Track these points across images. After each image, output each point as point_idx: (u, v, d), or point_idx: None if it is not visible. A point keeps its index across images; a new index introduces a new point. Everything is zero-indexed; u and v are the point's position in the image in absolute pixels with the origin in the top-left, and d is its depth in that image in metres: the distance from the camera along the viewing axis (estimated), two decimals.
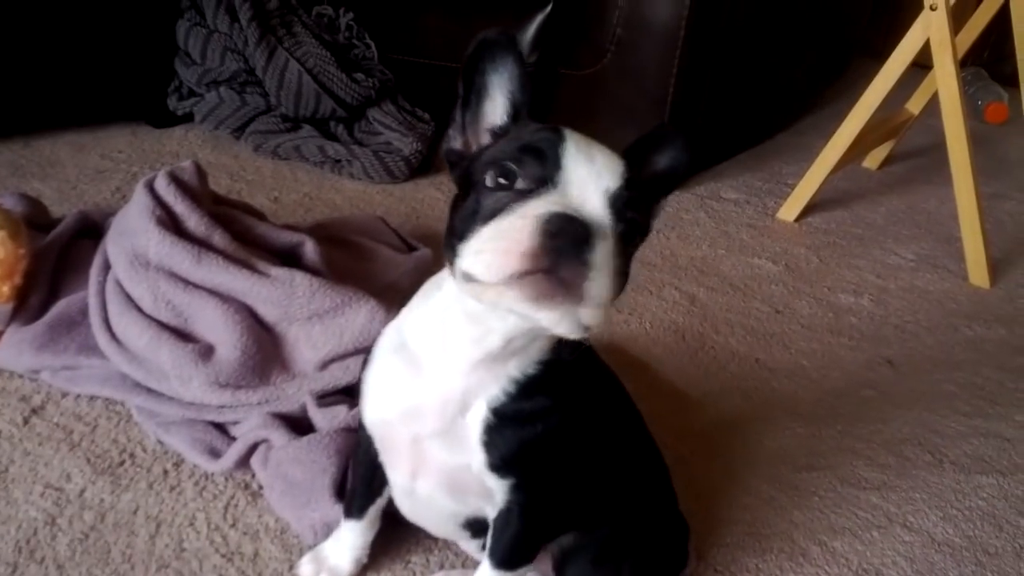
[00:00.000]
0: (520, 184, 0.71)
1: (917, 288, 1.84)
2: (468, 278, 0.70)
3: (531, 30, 2.10)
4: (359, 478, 1.00)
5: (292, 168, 2.02)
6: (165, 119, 2.13)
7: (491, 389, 0.81)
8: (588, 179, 0.71)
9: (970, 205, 1.86)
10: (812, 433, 1.36)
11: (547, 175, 0.71)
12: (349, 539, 1.02)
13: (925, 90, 2.23)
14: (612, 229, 0.70)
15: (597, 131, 2.18)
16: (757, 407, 1.42)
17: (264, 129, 2.07)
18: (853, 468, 1.30)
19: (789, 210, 2.08)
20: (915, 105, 2.27)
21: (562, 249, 0.66)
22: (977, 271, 1.88)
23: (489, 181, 0.72)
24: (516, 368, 0.81)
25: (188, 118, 2.15)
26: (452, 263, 0.73)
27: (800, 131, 2.60)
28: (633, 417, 1.02)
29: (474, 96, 0.79)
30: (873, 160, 2.44)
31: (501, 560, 0.89)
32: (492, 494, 0.86)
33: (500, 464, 0.83)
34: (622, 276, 0.72)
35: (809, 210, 2.09)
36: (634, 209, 0.72)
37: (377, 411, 0.89)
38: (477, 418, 0.82)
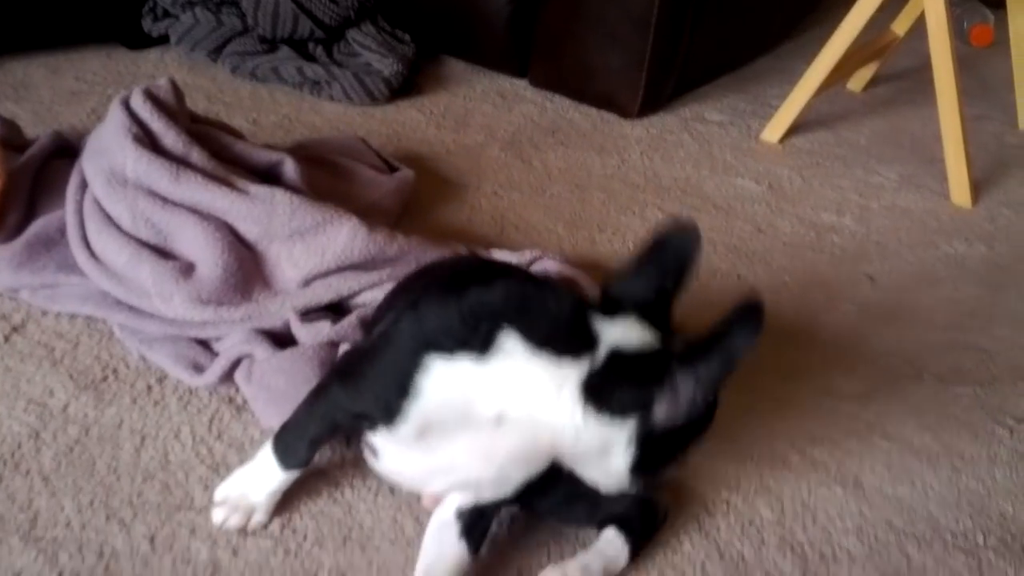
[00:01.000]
0: None
1: (899, 207, 1.85)
2: None
3: None
4: (315, 438, 0.96)
5: (270, 90, 1.99)
6: (140, 41, 2.08)
7: None
8: None
9: (954, 126, 1.86)
10: (794, 347, 1.38)
11: None
12: (275, 486, 0.98)
13: (911, 11, 2.20)
14: None
15: (582, 53, 2.14)
16: None
17: (241, 51, 2.03)
18: (833, 380, 1.32)
19: (773, 131, 2.07)
20: (900, 26, 2.25)
21: None
22: (959, 191, 1.88)
23: None
24: None
25: (164, 40, 2.10)
26: None
27: (785, 54, 2.57)
28: None
29: None
30: (857, 82, 2.42)
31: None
32: None
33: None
34: None
35: (793, 131, 2.08)
36: None
37: (416, 441, 0.87)
38: None
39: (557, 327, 0.84)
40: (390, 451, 0.90)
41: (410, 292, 0.98)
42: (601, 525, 1.00)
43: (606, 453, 0.85)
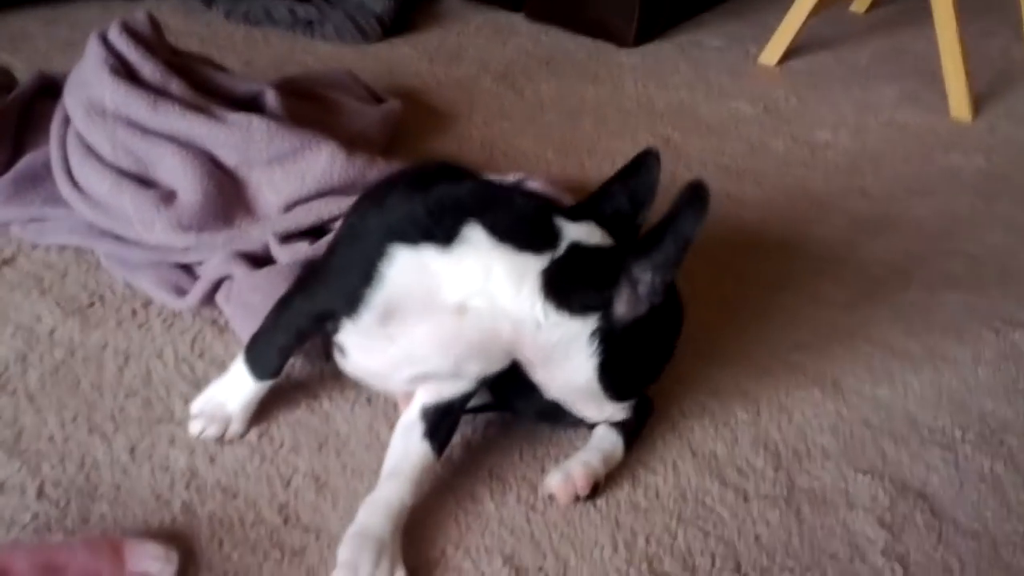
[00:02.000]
0: None
1: (897, 123, 1.83)
2: None
3: None
4: (283, 347, 0.98)
5: (264, 33, 2.00)
6: None
7: None
8: None
9: (951, 39, 1.83)
10: (780, 257, 1.37)
11: None
12: (250, 396, 1.00)
13: None
14: None
15: None
16: (725, 236, 1.42)
17: None
18: (820, 289, 1.31)
19: (770, 54, 2.04)
20: None
21: None
22: (959, 105, 1.86)
23: None
24: None
25: None
26: None
27: None
28: None
29: None
30: (860, 3, 2.38)
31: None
32: None
33: None
34: None
35: (791, 54, 2.05)
36: None
37: (379, 328, 0.88)
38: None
39: (521, 222, 0.85)
40: (355, 345, 0.92)
41: (375, 196, 0.99)
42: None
43: (569, 352, 0.87)
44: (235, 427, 0.99)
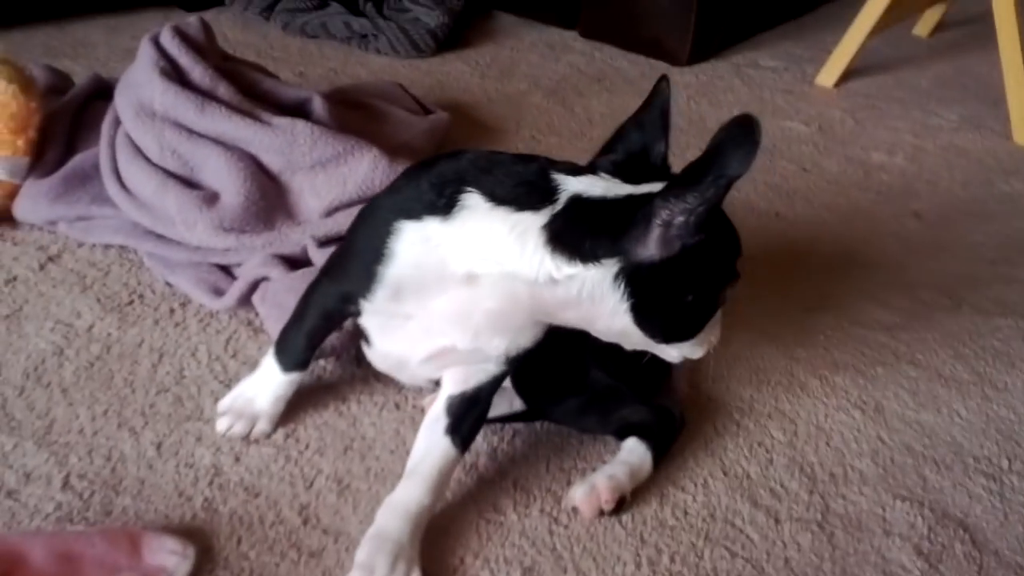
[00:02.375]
0: None
1: (956, 147, 1.78)
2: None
3: None
4: (310, 332, 0.98)
5: (319, 45, 2.02)
6: (196, 2, 2.14)
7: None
8: None
9: (1015, 60, 1.78)
10: (826, 279, 1.34)
11: None
12: (283, 389, 1.00)
13: None
14: None
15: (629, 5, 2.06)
16: (771, 254, 1.39)
17: (292, 7, 2.07)
18: (865, 310, 1.28)
19: (827, 75, 2.01)
20: None
21: None
22: (1022, 129, 1.80)
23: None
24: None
25: (219, 1, 2.15)
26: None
27: (849, 2, 2.49)
28: None
29: None
30: (924, 27, 2.34)
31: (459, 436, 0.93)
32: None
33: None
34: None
35: (849, 75, 2.02)
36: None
37: (395, 305, 0.88)
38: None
39: (517, 183, 0.82)
40: (376, 328, 0.92)
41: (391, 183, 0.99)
42: (621, 435, 1.00)
43: (596, 300, 0.82)
44: (262, 425, 0.99)
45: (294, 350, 0.99)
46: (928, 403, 1.12)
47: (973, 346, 1.23)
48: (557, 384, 0.99)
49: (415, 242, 0.82)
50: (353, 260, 0.90)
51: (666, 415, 1.02)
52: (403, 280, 0.84)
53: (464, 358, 0.89)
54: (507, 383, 0.95)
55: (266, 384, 1.00)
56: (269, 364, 1.00)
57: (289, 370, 0.99)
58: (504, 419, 1.03)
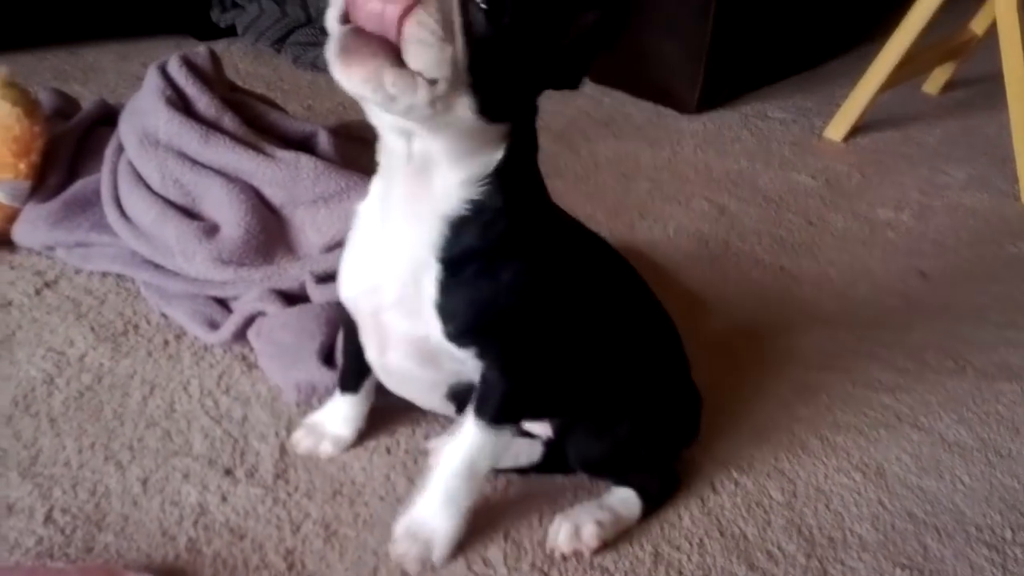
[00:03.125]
0: None
1: (963, 206, 1.77)
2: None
3: None
4: (348, 353, 1.00)
5: (328, 79, 2.00)
6: (209, 31, 2.14)
7: (431, 236, 0.79)
8: None
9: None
10: (830, 336, 1.32)
11: None
12: (344, 410, 1.02)
13: (989, 10, 2.11)
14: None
15: (639, 43, 2.13)
16: (776, 312, 1.38)
17: (303, 41, 2.08)
18: (868, 371, 1.26)
19: (836, 129, 2.00)
20: (979, 25, 2.17)
21: None
22: None
23: None
24: (445, 206, 0.79)
25: (231, 31, 2.16)
26: None
27: (859, 56, 2.47)
28: (630, 282, 1.00)
29: None
30: (934, 84, 2.34)
31: (484, 416, 0.87)
32: (463, 362, 0.85)
33: (458, 333, 0.82)
34: (493, 79, 0.68)
35: (858, 130, 2.01)
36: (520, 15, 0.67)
37: (347, 288, 0.90)
38: (430, 280, 0.81)
39: None
40: None
41: None
42: (619, 483, 0.98)
43: None
44: (326, 446, 1.01)
45: (345, 370, 1.01)
46: (931, 468, 1.10)
47: (977, 410, 1.21)
48: (594, 428, 0.96)
49: None
50: None
51: (671, 479, 1.00)
52: None
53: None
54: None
55: (332, 407, 1.02)
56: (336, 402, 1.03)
57: (344, 391, 1.01)
58: (513, 471, 1.01)
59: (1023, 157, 1.79)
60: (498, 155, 0.77)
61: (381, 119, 0.77)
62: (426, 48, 0.65)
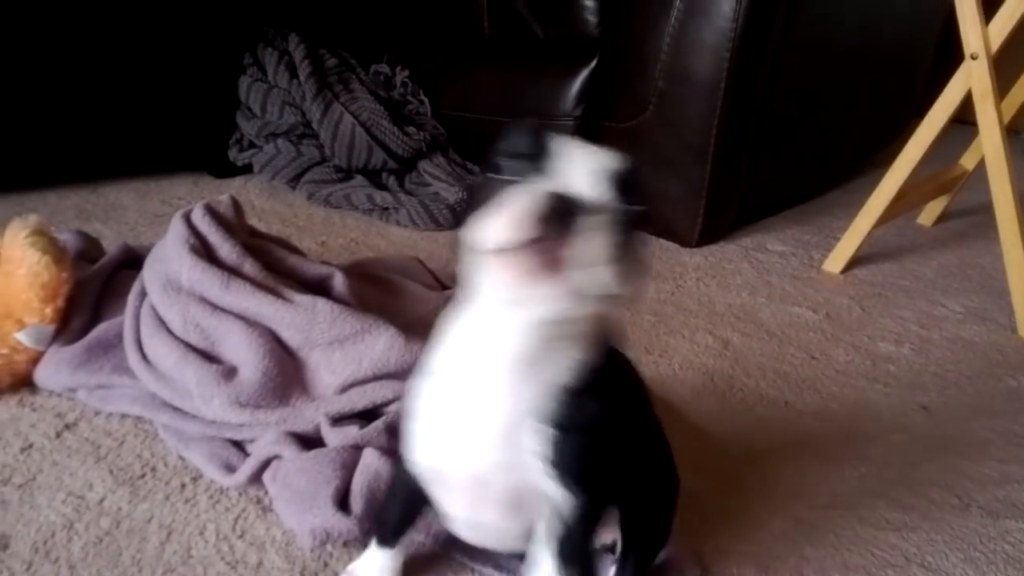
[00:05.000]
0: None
1: (962, 339, 1.80)
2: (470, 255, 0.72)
3: (577, 84, 2.15)
4: (396, 509, 1.00)
5: (342, 216, 2.09)
6: (226, 169, 2.23)
7: (539, 398, 0.81)
8: (577, 163, 0.73)
9: (1017, 255, 1.83)
10: (835, 473, 1.34)
11: (535, 166, 0.72)
12: (381, 562, 1.02)
13: (979, 146, 2.20)
14: (606, 208, 0.71)
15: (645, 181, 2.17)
16: (781, 447, 1.40)
17: (318, 179, 2.16)
18: (874, 508, 1.27)
19: (834, 262, 2.06)
20: (969, 161, 2.25)
21: (544, 221, 0.68)
22: None
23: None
24: (556, 374, 0.80)
25: (247, 169, 2.25)
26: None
27: (854, 189, 2.58)
28: (646, 401, 1.04)
29: None
30: (928, 216, 2.41)
31: (565, 556, 0.88)
32: (557, 506, 0.86)
33: (567, 482, 0.83)
34: (628, 262, 0.72)
35: (856, 262, 2.07)
36: (630, 192, 0.73)
37: (425, 455, 0.88)
38: (535, 437, 0.81)
39: None
40: None
41: None
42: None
43: None
44: None
45: (381, 525, 1.01)
46: None
47: (984, 549, 1.21)
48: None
49: None
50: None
51: None
52: None
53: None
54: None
55: (368, 558, 1.03)
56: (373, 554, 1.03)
57: (380, 545, 1.01)
58: None
59: (1017, 292, 1.83)
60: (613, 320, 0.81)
61: (511, 308, 0.77)
62: (595, 259, 0.70)
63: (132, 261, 1.48)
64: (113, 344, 1.33)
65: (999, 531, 1.25)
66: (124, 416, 1.28)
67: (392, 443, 1.18)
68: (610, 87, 2.12)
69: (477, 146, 2.30)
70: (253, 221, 1.53)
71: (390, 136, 2.16)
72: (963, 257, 2.20)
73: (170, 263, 1.31)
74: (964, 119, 1.92)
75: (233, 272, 1.31)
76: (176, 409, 1.25)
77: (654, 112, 2.05)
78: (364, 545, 1.07)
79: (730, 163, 2.06)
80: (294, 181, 2.18)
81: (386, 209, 2.09)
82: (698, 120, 2.01)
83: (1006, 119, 1.86)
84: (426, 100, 2.33)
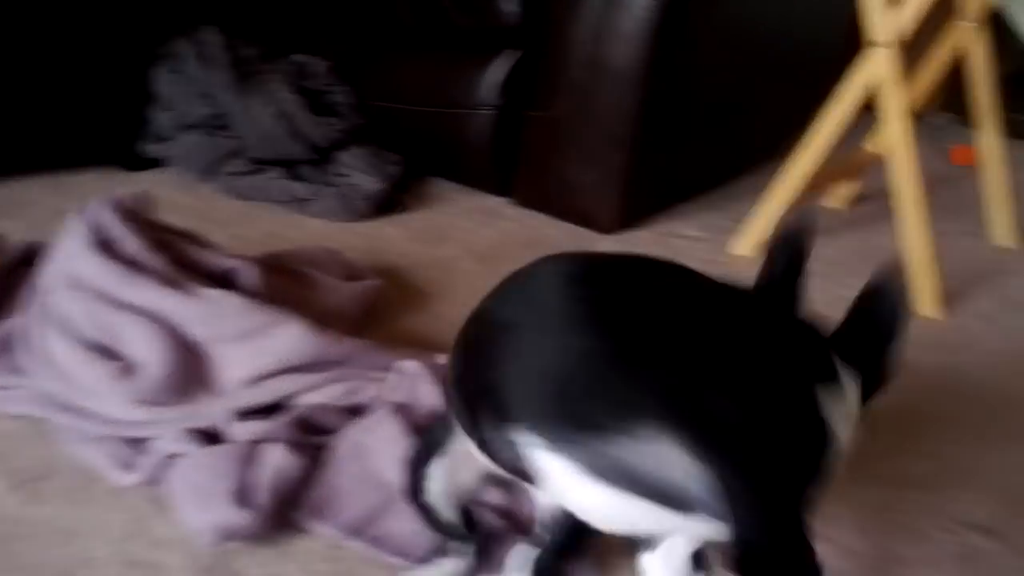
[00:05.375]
0: None
1: None
2: None
3: (499, 74, 2.16)
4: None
5: (258, 208, 2.07)
6: (138, 163, 2.19)
7: None
8: None
9: (918, 239, 1.89)
10: None
11: None
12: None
13: (884, 134, 2.25)
14: None
15: (561, 171, 2.22)
16: None
17: (233, 171, 2.13)
18: None
19: (744, 245, 2.10)
20: (876, 146, 2.30)
21: None
22: (926, 302, 1.89)
23: None
24: None
25: (160, 162, 2.21)
26: None
27: (767, 174, 2.61)
28: None
29: None
30: (840, 200, 2.47)
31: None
32: None
33: None
34: None
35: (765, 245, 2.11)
36: None
37: None
38: None
39: None
40: None
41: None
42: None
43: None
44: None
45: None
46: None
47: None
48: None
49: None
50: None
51: None
52: None
53: None
54: None
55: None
56: None
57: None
58: None
59: (918, 272, 1.89)
60: None
61: None
62: None
63: (33, 259, 1.45)
64: (11, 344, 1.31)
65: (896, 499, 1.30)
66: (20, 417, 1.26)
67: (300, 436, 1.19)
68: (533, 77, 2.13)
69: (400, 136, 2.29)
70: (166, 215, 1.50)
71: (307, 126, 2.14)
72: (867, 239, 2.26)
73: (71, 260, 1.29)
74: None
75: (137, 267, 1.30)
76: (75, 409, 1.23)
77: (574, 101, 2.06)
78: (266, 540, 1.07)
79: (647, 150, 2.08)
80: (208, 174, 2.15)
81: (303, 200, 2.07)
82: (617, 108, 2.03)
83: (912, 104, 1.91)
84: (347, 90, 2.31)
